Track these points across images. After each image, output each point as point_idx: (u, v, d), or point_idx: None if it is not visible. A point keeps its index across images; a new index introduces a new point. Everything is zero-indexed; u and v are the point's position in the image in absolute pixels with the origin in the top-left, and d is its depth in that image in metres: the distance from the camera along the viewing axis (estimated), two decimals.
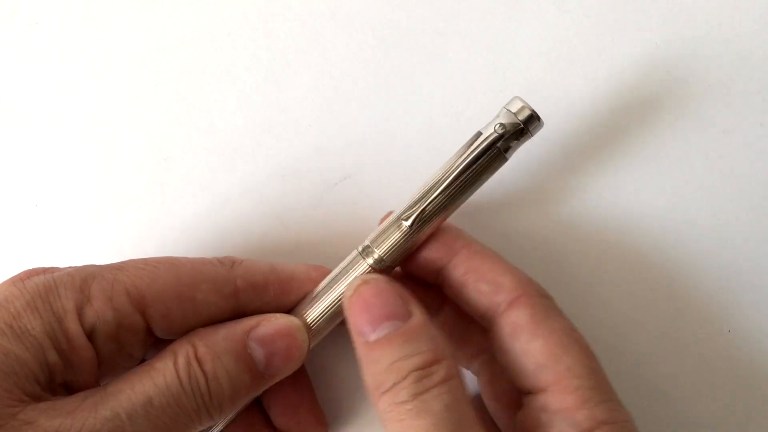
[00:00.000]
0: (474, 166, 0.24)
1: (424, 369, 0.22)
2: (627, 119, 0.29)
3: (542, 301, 0.24)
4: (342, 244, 0.30)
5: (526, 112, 0.24)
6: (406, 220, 0.25)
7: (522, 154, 0.26)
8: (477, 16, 0.30)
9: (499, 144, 0.24)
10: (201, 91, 0.31)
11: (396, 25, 0.30)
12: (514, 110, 0.24)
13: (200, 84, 0.31)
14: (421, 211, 0.25)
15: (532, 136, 0.25)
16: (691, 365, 0.29)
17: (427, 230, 0.25)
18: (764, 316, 0.29)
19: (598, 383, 0.23)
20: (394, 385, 0.22)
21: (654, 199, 0.29)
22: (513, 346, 0.24)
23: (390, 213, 0.27)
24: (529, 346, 0.23)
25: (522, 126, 0.24)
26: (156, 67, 0.31)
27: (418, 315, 0.23)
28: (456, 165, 0.25)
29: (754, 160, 0.29)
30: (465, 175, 0.24)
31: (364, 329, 0.23)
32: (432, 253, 0.26)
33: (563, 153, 0.29)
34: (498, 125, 0.24)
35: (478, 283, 0.25)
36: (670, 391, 0.29)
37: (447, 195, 0.25)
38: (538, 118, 0.24)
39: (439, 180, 0.25)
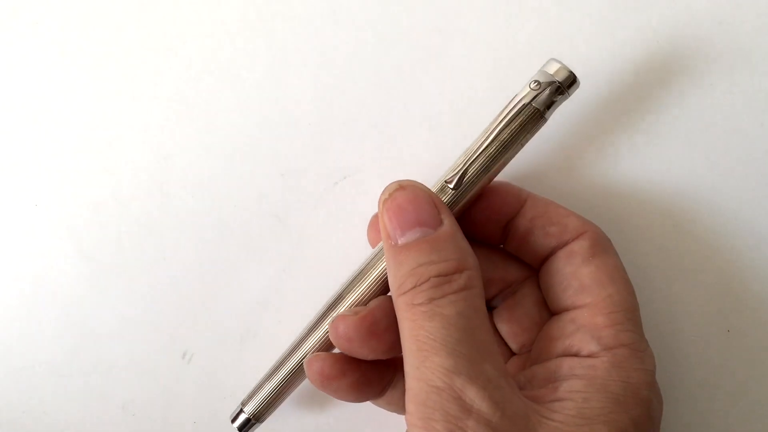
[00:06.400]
0: (512, 125, 0.25)
1: (446, 276, 0.22)
2: (625, 121, 0.29)
3: (602, 238, 0.26)
4: (342, 244, 0.30)
5: (563, 72, 0.25)
6: (450, 182, 0.25)
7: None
8: (477, 14, 0.30)
9: (535, 103, 0.25)
10: (201, 91, 0.31)
11: (396, 24, 0.30)
12: (550, 71, 0.25)
13: (200, 83, 0.31)
14: (463, 173, 0.25)
15: (568, 96, 0.25)
16: (691, 365, 0.29)
17: (473, 192, 0.25)
18: (764, 316, 0.29)
19: (632, 317, 0.24)
20: (413, 287, 0.22)
21: (653, 200, 0.29)
22: (564, 268, 0.25)
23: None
24: (579, 270, 0.25)
25: (558, 84, 0.25)
26: (156, 66, 0.31)
27: (448, 224, 0.23)
28: (495, 125, 0.25)
29: (754, 160, 0.29)
30: (503, 135, 0.25)
31: (394, 233, 0.23)
32: (505, 207, 0.26)
33: (563, 153, 0.29)
34: (533, 83, 0.25)
35: (546, 226, 0.26)
36: (670, 391, 0.29)
37: (488, 156, 0.25)
38: (574, 77, 0.25)
39: (480, 142, 0.25)
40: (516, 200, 0.26)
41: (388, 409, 0.28)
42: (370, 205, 0.30)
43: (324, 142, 0.30)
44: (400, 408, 0.27)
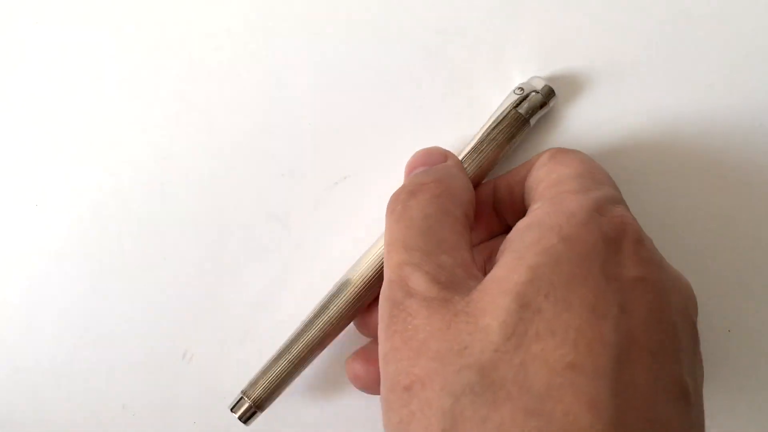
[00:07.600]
0: (498, 128, 0.27)
1: (421, 184, 0.24)
2: (624, 123, 0.29)
3: (566, 149, 0.26)
4: (342, 244, 0.30)
5: (542, 85, 0.28)
6: None
7: None
8: (478, 14, 0.30)
9: (521, 110, 0.27)
10: (201, 91, 0.31)
11: (396, 24, 0.30)
12: (534, 84, 0.28)
13: (200, 83, 0.31)
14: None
15: (549, 107, 0.28)
16: None
17: None
18: (764, 316, 0.29)
19: (585, 177, 0.24)
20: (395, 198, 0.24)
21: (653, 200, 0.29)
22: (524, 175, 0.26)
23: None
24: (536, 171, 0.26)
25: (541, 97, 0.28)
26: (156, 66, 0.31)
27: (451, 161, 0.26)
28: (483, 129, 0.27)
29: (754, 160, 0.29)
30: (490, 137, 0.27)
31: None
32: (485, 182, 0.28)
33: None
34: (517, 89, 0.28)
35: (519, 169, 0.27)
36: None
37: (478, 156, 0.27)
38: (552, 91, 0.28)
39: (472, 145, 0.27)
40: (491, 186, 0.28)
41: None
42: (370, 205, 0.30)
43: (324, 142, 0.30)
44: None
